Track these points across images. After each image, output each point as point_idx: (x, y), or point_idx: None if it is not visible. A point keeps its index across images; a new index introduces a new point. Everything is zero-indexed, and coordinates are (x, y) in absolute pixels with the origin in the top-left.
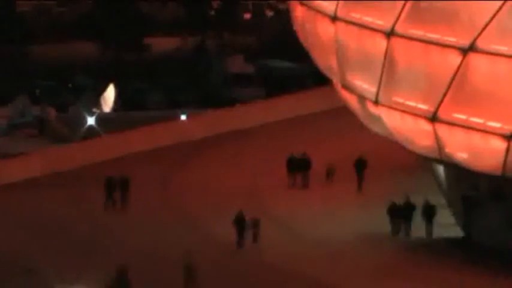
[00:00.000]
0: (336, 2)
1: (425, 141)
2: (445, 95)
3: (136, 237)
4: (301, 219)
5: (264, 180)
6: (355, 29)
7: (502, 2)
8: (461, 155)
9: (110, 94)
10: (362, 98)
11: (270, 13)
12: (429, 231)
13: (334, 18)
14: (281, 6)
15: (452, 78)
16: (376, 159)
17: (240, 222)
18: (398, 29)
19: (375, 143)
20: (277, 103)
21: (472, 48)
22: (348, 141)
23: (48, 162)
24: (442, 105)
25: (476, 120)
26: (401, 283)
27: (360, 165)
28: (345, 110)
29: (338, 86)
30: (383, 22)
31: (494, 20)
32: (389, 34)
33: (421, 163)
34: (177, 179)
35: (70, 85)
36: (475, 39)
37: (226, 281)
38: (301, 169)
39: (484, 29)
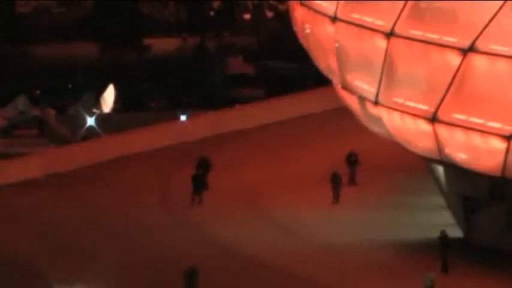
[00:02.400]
0: (336, 2)
1: (425, 141)
2: (444, 95)
3: (137, 237)
4: (300, 220)
5: (264, 181)
6: (355, 29)
7: (502, 2)
8: (461, 156)
9: (109, 95)
10: (362, 99)
11: (269, 14)
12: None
13: (334, 19)
14: (281, 6)
15: (452, 79)
16: (376, 160)
17: None
18: (398, 29)
19: (375, 143)
20: (277, 103)
21: (471, 48)
22: (348, 142)
23: (47, 163)
24: (442, 105)
25: (476, 120)
26: (401, 283)
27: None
28: (344, 110)
29: (338, 86)
30: (383, 23)
31: (494, 21)
32: (389, 35)
33: (422, 163)
34: (177, 179)
35: (70, 85)
36: (474, 40)
37: (226, 281)
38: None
39: (483, 29)
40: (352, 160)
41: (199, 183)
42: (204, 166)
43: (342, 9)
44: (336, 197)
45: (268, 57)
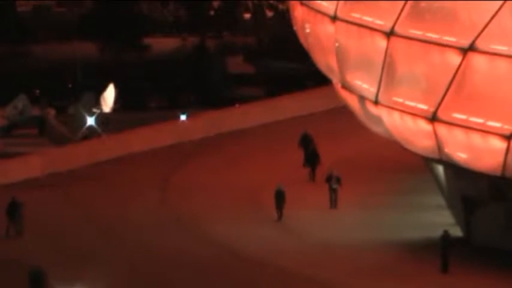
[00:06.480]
0: (336, 2)
1: (425, 141)
2: (444, 95)
3: (137, 237)
4: (301, 219)
5: (264, 180)
6: (355, 29)
7: (502, 2)
8: (461, 155)
9: (109, 94)
10: (362, 98)
11: (270, 13)
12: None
13: (334, 18)
14: (281, 6)
15: (452, 78)
16: (376, 159)
17: None
18: (398, 29)
19: (375, 142)
20: (277, 103)
21: (471, 48)
22: (348, 142)
23: (47, 162)
24: (442, 105)
25: (476, 120)
26: (401, 283)
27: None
28: (345, 110)
29: (338, 86)
30: (383, 22)
31: (494, 20)
32: (389, 34)
33: (422, 163)
34: (177, 179)
35: (70, 85)
36: (474, 39)
37: (226, 281)
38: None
39: (483, 29)
40: (334, 186)
41: (311, 158)
42: (307, 142)
43: (342, 9)
44: (280, 215)
45: (268, 57)
